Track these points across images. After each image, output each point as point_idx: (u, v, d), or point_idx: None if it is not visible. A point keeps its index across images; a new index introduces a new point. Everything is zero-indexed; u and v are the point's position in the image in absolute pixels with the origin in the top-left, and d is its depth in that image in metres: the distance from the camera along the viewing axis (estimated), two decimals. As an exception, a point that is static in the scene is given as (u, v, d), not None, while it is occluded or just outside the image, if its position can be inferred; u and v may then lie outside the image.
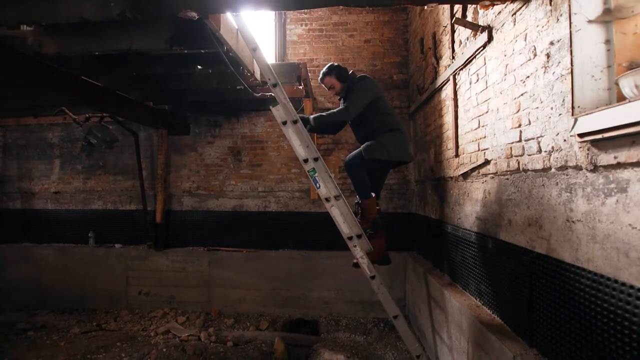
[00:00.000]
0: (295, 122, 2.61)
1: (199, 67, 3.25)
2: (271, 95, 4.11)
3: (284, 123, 2.61)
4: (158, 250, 4.85)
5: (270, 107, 2.62)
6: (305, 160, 2.56)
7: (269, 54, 4.91)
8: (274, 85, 2.60)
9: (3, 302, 4.91)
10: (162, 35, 2.61)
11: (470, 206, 2.68)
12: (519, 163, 1.98)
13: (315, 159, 2.56)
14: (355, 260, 2.57)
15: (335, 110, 2.79)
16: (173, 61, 3.16)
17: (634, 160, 1.22)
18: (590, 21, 1.48)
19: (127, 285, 4.88)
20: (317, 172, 2.54)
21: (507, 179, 2.11)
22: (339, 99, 2.99)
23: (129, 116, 4.30)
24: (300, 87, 3.88)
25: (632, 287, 1.23)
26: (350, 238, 2.52)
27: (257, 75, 3.45)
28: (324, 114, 2.79)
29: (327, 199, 2.52)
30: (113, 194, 5.17)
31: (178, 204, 5.02)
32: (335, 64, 2.91)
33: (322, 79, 2.87)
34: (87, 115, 4.27)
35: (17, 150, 5.37)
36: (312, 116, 2.77)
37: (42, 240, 5.21)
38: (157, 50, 2.74)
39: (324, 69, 2.86)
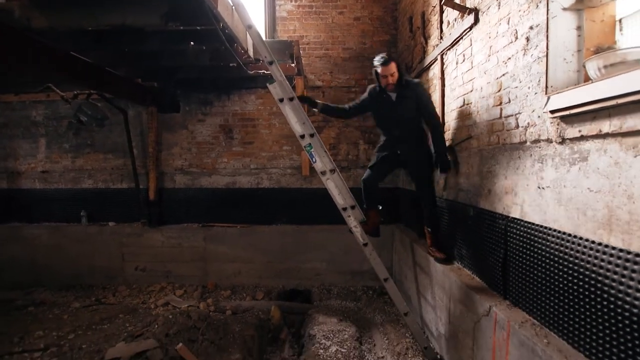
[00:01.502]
0: (291, 99, 2.71)
1: (192, 43, 3.26)
2: (264, 72, 4.17)
3: (281, 100, 2.71)
4: (152, 227, 4.94)
5: (268, 84, 2.71)
6: (302, 136, 2.70)
7: (258, 29, 4.87)
8: (270, 63, 2.68)
9: (-2, 281, 4.93)
10: (158, 11, 2.62)
11: (454, 178, 2.91)
12: (499, 138, 2.19)
13: (312, 135, 2.70)
14: (350, 228, 2.78)
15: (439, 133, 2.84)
16: (166, 37, 3.15)
17: (594, 133, 1.43)
18: (564, 9, 1.65)
19: (123, 261, 4.98)
20: (313, 148, 2.69)
21: (488, 152, 2.33)
22: (380, 91, 2.92)
23: (118, 93, 4.25)
24: (293, 64, 3.93)
25: (587, 239, 1.48)
26: (344, 209, 2.71)
27: (251, 52, 3.49)
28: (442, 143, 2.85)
29: (323, 173, 2.68)
30: (103, 173, 5.16)
31: (171, 182, 5.08)
32: None
33: (387, 62, 2.74)
34: (75, 93, 4.20)
35: (-2, 129, 5.22)
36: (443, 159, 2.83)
37: (32, 220, 5.18)
38: (151, 26, 2.74)
39: (388, 55, 2.82)
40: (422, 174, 3.00)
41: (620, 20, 1.61)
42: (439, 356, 2.88)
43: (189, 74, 4.26)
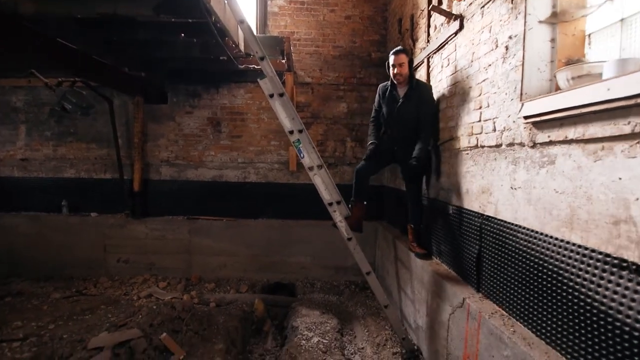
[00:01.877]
0: (281, 95, 2.76)
1: (183, 35, 3.25)
2: (254, 67, 4.19)
3: (271, 96, 2.75)
4: (136, 219, 4.90)
5: (258, 80, 2.74)
6: (291, 132, 2.75)
7: (249, 23, 4.87)
8: (262, 59, 2.71)
9: (-30, 271, 4.79)
10: (150, 2, 2.61)
11: (436, 178, 3.03)
12: (477, 140, 2.31)
13: (300, 131, 2.76)
14: (334, 223, 2.86)
15: (426, 135, 2.90)
16: (157, 28, 3.13)
17: (561, 139, 1.55)
18: (541, 21, 1.76)
19: (105, 253, 4.93)
20: (302, 143, 2.75)
21: (467, 153, 2.45)
22: (389, 89, 3.02)
23: (104, 82, 4.19)
24: (283, 61, 3.97)
25: (552, 237, 1.61)
26: (330, 204, 2.79)
27: (242, 46, 3.50)
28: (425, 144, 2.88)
29: (310, 168, 2.75)
30: (86, 162, 5.07)
31: (156, 174, 5.04)
32: None
33: (399, 52, 2.86)
34: (60, 80, 4.11)
35: (-25, 114, 5.05)
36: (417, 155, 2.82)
37: (9, 209, 5.05)
38: (143, 16, 2.73)
39: (402, 47, 2.93)
40: (414, 174, 3.10)
41: (589, 35, 1.74)
42: (416, 347, 3.02)
43: (177, 65, 4.23)
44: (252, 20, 4.92)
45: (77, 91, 4.17)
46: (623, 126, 1.25)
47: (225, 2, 2.76)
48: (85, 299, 4.04)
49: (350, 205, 2.98)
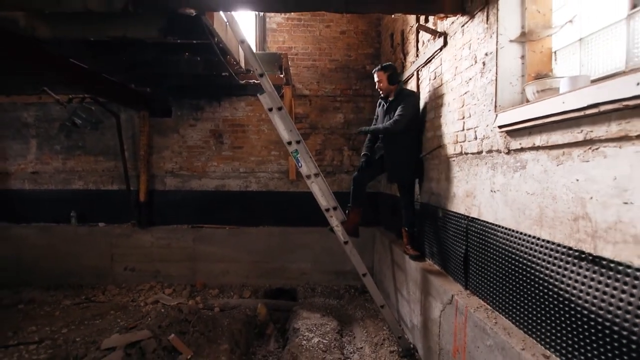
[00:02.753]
0: (280, 108, 2.96)
1: (187, 54, 3.47)
2: (254, 82, 4.41)
3: (270, 109, 2.95)
4: (142, 228, 5.07)
5: (258, 95, 2.95)
6: (289, 143, 2.95)
7: (249, 41, 5.12)
8: (261, 75, 2.93)
9: (-19, 281, 4.95)
10: (156, 25, 2.84)
11: (427, 183, 3.21)
12: (462, 147, 2.49)
13: (298, 142, 2.95)
14: (330, 227, 3.03)
15: (389, 121, 3.12)
16: (163, 48, 3.36)
17: (530, 145, 1.73)
18: (511, 40, 1.97)
19: (112, 262, 5.09)
20: (299, 153, 2.94)
21: (454, 160, 2.63)
22: (380, 101, 3.40)
23: (112, 98, 4.41)
24: (282, 75, 4.19)
25: (525, 234, 1.77)
26: (327, 210, 2.97)
27: (242, 63, 3.73)
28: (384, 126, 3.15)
29: (308, 176, 2.94)
30: (94, 174, 5.27)
31: (161, 184, 5.23)
32: (394, 65, 3.34)
33: (377, 71, 3.24)
34: (70, 97, 4.33)
35: (-12, 130, 5.27)
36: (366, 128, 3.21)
37: (21, 220, 5.23)
38: (150, 38, 2.94)
39: (383, 65, 3.26)
40: (404, 179, 3.29)
41: (555, 52, 1.94)
42: (412, 345, 3.15)
43: (181, 81, 4.46)
44: (251, 37, 5.17)
45: (87, 107, 4.40)
46: (577, 134, 1.43)
47: (227, 24, 2.99)
48: (94, 305, 4.19)
49: (347, 211, 3.16)
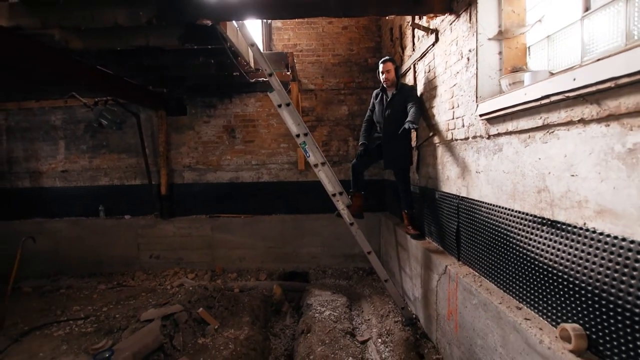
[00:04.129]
0: (288, 104, 3.27)
1: (202, 58, 3.80)
2: (263, 79, 4.72)
3: (279, 106, 3.27)
4: (165, 219, 5.49)
5: (268, 92, 3.26)
6: (297, 135, 3.26)
7: (256, 39, 5.40)
8: (270, 75, 3.23)
9: (24, 271, 5.44)
10: (175, 34, 3.16)
11: (424, 168, 3.49)
12: (452, 134, 2.77)
13: (305, 134, 3.26)
14: (337, 212, 3.35)
15: (416, 110, 3.19)
16: (180, 53, 3.68)
17: (504, 131, 2.01)
18: (489, 39, 2.23)
19: (138, 250, 5.54)
20: (307, 145, 3.26)
21: (446, 146, 2.91)
22: (379, 93, 3.59)
23: (133, 99, 4.78)
24: (288, 72, 4.48)
25: (503, 207, 2.07)
26: (334, 195, 3.28)
27: (252, 63, 4.03)
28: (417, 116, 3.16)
29: (316, 165, 3.26)
30: (118, 171, 5.69)
31: (180, 178, 5.63)
32: None
33: (386, 60, 3.41)
34: (96, 100, 4.72)
35: (20, 133, 5.72)
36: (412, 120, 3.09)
37: (54, 215, 5.71)
38: (170, 46, 3.27)
39: (390, 57, 3.45)
40: (400, 166, 3.58)
41: (529, 48, 2.20)
42: (414, 315, 3.48)
43: (196, 81, 4.79)
44: (258, 35, 5.45)
45: (112, 109, 4.78)
46: (538, 120, 1.72)
47: (237, 29, 3.29)
48: (126, 289, 4.63)
49: (350, 196, 3.48)
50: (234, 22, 3.17)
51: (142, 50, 3.54)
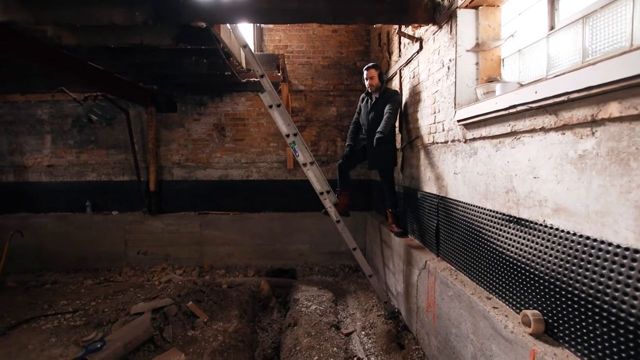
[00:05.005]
0: (278, 105, 3.39)
1: (194, 57, 3.87)
2: (253, 80, 4.81)
3: (270, 106, 3.38)
4: (153, 215, 5.52)
5: (259, 93, 3.37)
6: (287, 135, 3.38)
7: (248, 39, 5.49)
8: (262, 76, 3.34)
9: (7, 266, 5.37)
10: (170, 34, 3.24)
11: (408, 169, 3.67)
12: (433, 138, 2.95)
13: (295, 134, 3.39)
14: (324, 210, 3.49)
15: (388, 117, 3.29)
16: (173, 52, 3.75)
17: (478, 136, 2.19)
18: (467, 50, 2.40)
19: (126, 246, 5.55)
20: (296, 144, 3.38)
21: (428, 148, 3.09)
22: (364, 97, 3.75)
23: (123, 95, 4.79)
24: (279, 74, 4.59)
25: (476, 206, 2.25)
26: (321, 193, 3.42)
27: (244, 64, 4.13)
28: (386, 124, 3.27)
29: (304, 164, 3.38)
30: (106, 167, 5.68)
31: (169, 175, 5.66)
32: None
33: (369, 67, 3.55)
34: (86, 95, 4.72)
35: (5, 126, 5.64)
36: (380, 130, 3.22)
37: (39, 210, 5.66)
38: (164, 45, 3.34)
39: (375, 63, 3.60)
40: (382, 167, 3.75)
41: (503, 60, 2.38)
42: (396, 309, 3.66)
43: (187, 79, 4.85)
44: (250, 36, 5.53)
45: (101, 104, 4.78)
46: (507, 127, 1.89)
47: (231, 31, 3.38)
48: (114, 284, 4.65)
49: (337, 195, 3.62)
50: (227, 24, 3.26)
51: (136, 48, 3.59)
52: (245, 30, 5.51)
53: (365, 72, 3.60)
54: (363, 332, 3.40)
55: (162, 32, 3.21)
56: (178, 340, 2.97)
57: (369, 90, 3.66)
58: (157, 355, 2.73)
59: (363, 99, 3.80)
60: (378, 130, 3.24)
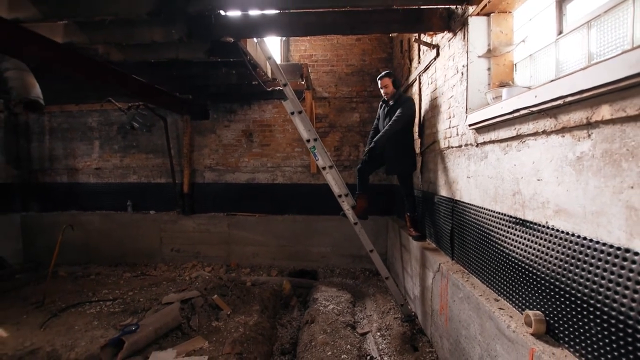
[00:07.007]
0: (300, 112, 3.59)
1: (224, 69, 4.18)
2: (279, 88, 5.06)
3: (292, 113, 3.59)
4: (186, 215, 5.91)
5: (282, 101, 3.59)
6: (308, 140, 3.57)
7: (275, 50, 5.79)
8: (284, 85, 3.57)
9: (59, 258, 5.98)
10: (202, 49, 3.55)
11: (426, 174, 3.71)
12: (449, 142, 2.99)
13: (315, 139, 3.56)
14: (342, 212, 3.62)
15: (389, 126, 3.45)
16: (205, 65, 4.09)
17: (489, 140, 2.23)
18: (479, 56, 2.46)
19: (161, 244, 5.98)
20: (316, 149, 3.55)
21: (444, 153, 3.13)
22: (382, 104, 3.86)
23: (161, 104, 5.24)
24: (303, 82, 4.81)
25: (487, 209, 2.28)
26: (340, 196, 3.55)
27: (269, 73, 4.39)
28: (384, 135, 3.45)
29: (324, 168, 3.54)
30: (145, 170, 6.18)
31: (201, 178, 6.05)
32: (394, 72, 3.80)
33: (382, 77, 3.65)
34: (129, 105, 5.21)
35: (62, 133, 6.33)
36: (376, 140, 3.47)
37: (87, 208, 6.26)
38: (197, 59, 3.67)
39: (387, 71, 3.71)
40: (398, 172, 3.81)
41: (515, 65, 2.41)
42: (413, 312, 3.68)
43: (218, 89, 5.21)
44: (277, 47, 5.83)
45: (142, 113, 5.25)
46: (513, 130, 1.94)
47: (257, 44, 3.65)
48: (149, 278, 5.05)
49: (355, 198, 3.73)
50: (254, 38, 3.52)
51: (173, 62, 3.95)
52: (273, 42, 5.82)
53: (379, 82, 3.71)
54: (378, 333, 3.46)
55: (195, 47, 3.53)
56: (203, 329, 3.21)
57: (385, 98, 3.77)
58: (183, 342, 2.97)
59: (381, 106, 3.91)
60: (374, 140, 3.45)
